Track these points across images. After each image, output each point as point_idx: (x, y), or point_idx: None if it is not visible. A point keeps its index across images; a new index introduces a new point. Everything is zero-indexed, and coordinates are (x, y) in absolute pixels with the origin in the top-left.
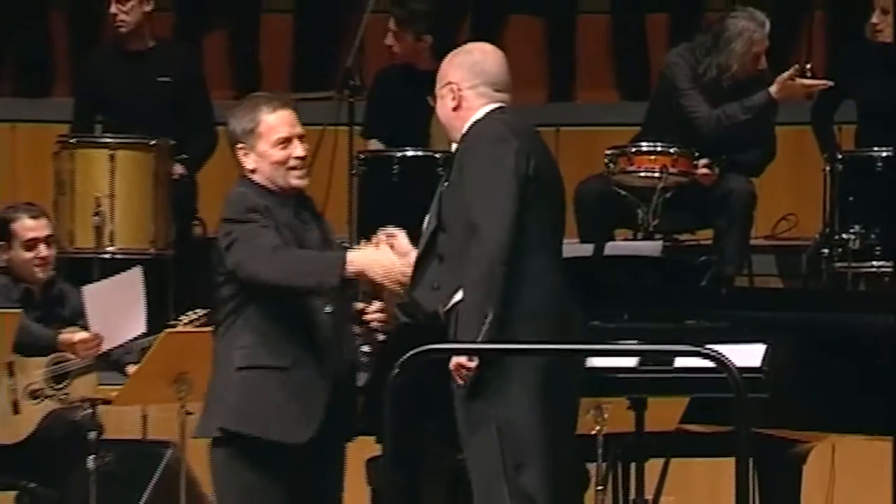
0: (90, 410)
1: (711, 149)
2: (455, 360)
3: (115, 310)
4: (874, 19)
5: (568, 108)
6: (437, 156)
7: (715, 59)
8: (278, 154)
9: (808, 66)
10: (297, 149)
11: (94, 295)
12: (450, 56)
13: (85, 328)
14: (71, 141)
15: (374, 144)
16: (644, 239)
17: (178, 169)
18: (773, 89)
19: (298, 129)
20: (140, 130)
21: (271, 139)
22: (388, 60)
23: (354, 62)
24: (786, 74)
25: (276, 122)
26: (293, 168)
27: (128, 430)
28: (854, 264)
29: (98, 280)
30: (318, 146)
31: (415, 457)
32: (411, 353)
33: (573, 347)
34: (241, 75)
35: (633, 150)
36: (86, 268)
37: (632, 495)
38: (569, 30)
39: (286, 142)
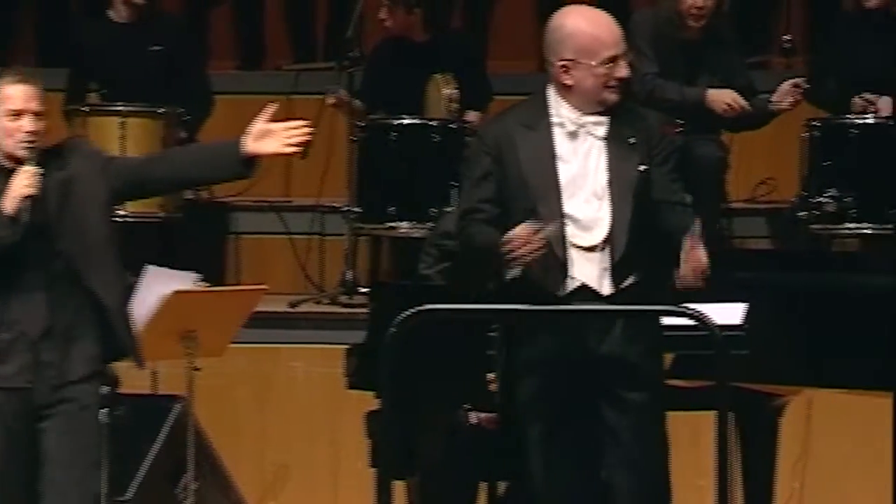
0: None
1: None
2: None
3: (152, 294)
4: None
5: None
6: (434, 123)
7: (667, 12)
8: (9, 124)
9: (788, 38)
10: (28, 123)
11: (154, 276)
12: None
13: None
14: (83, 109)
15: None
16: None
17: (182, 134)
18: (709, 95)
19: (34, 106)
20: (135, 98)
21: (5, 108)
22: (385, 32)
23: (354, 33)
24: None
25: (12, 93)
26: (21, 141)
27: (139, 385)
28: (829, 226)
29: None
30: (320, 115)
31: (412, 411)
32: (409, 312)
33: (560, 309)
34: (245, 47)
35: None
36: None
37: None
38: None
39: (18, 114)
